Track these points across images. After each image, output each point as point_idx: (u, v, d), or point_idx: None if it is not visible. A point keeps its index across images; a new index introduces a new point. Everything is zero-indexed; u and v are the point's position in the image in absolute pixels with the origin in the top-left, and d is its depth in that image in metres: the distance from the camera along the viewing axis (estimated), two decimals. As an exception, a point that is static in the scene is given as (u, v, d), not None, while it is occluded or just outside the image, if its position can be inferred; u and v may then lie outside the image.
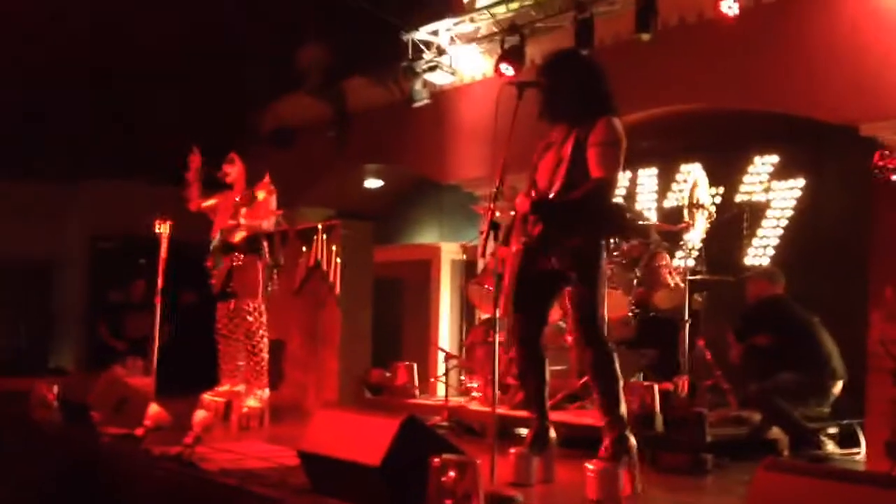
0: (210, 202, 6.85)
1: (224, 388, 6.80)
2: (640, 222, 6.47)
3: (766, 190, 7.23)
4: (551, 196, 4.25)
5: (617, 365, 4.19)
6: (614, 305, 6.05)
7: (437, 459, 3.51)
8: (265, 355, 6.76)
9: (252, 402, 6.63)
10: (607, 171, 4.17)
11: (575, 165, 4.20)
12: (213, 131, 10.30)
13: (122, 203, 10.64)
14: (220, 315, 6.78)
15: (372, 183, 10.84)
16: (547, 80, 4.38)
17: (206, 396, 6.70)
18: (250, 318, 6.64)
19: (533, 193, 4.36)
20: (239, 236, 6.68)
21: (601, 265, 4.24)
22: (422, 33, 8.69)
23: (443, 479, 3.51)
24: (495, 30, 8.23)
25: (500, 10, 8.17)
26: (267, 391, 6.77)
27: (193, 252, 7.12)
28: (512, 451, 4.39)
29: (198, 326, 7.76)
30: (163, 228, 7.04)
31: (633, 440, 4.15)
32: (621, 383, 4.20)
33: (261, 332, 6.72)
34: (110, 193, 11.19)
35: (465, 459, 3.53)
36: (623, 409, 4.18)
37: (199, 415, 4.88)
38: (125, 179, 11.12)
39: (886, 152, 3.05)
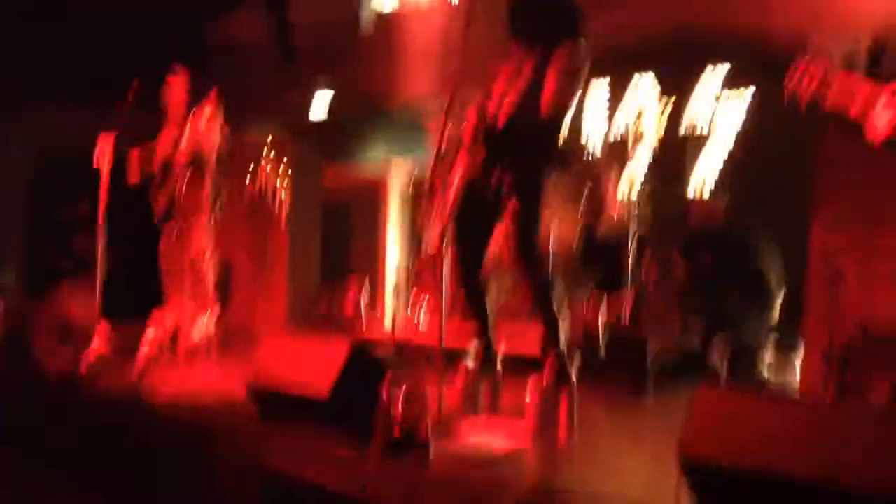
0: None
1: (170, 312, 6.72)
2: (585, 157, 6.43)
3: (716, 100, 7.17)
4: (501, 117, 4.15)
5: (555, 295, 4.19)
6: (563, 227, 6.07)
7: (384, 388, 3.54)
8: (211, 277, 6.67)
9: (199, 327, 6.57)
10: (562, 102, 4.08)
11: (530, 87, 4.10)
12: (159, 48, 10.00)
13: (67, 122, 10.32)
14: (166, 234, 6.65)
15: (322, 99, 10.61)
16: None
17: (152, 323, 6.62)
18: (195, 238, 6.52)
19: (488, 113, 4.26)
20: (182, 153, 6.51)
21: (542, 197, 4.20)
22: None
23: (391, 407, 3.54)
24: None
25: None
26: (215, 315, 6.71)
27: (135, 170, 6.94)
28: (459, 379, 4.42)
29: (143, 250, 7.61)
30: (105, 147, 6.83)
31: (574, 364, 4.18)
32: (562, 307, 4.21)
33: (207, 253, 6.61)
34: (55, 112, 10.82)
35: (413, 389, 3.56)
36: (563, 335, 4.20)
37: (147, 344, 4.82)
38: (70, 99, 10.75)
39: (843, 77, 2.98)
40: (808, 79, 2.97)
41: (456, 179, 4.31)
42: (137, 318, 6.78)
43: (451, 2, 7.43)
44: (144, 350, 4.72)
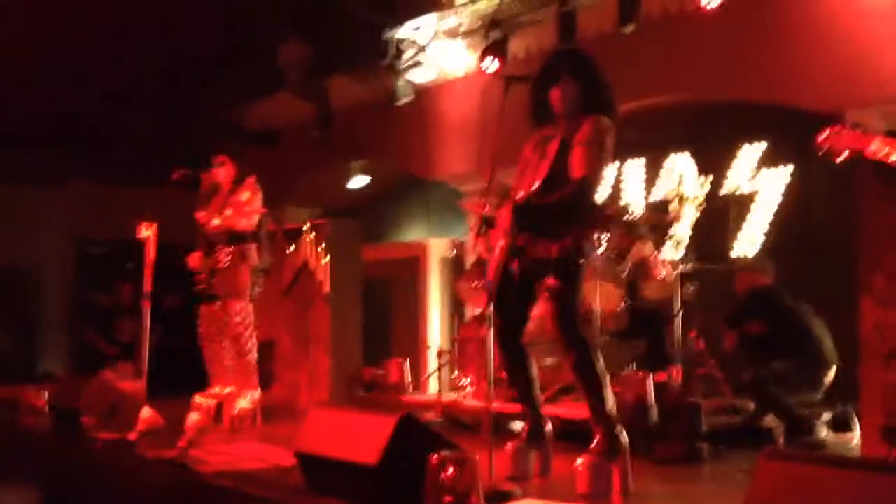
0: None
1: (214, 390, 6.76)
2: (626, 217, 6.46)
3: (754, 178, 7.24)
4: (531, 196, 4.19)
5: (601, 363, 4.18)
6: (606, 298, 6.06)
7: (435, 456, 3.50)
8: (254, 356, 6.72)
9: (243, 404, 6.60)
10: (588, 169, 4.13)
11: (557, 163, 4.19)
12: (197, 133, 10.27)
13: (106, 206, 10.56)
14: (202, 317, 6.72)
15: (358, 181, 10.80)
16: (567, 86, 4.32)
17: (198, 399, 6.66)
18: (237, 319, 6.59)
19: (520, 194, 4.31)
20: (220, 233, 6.62)
21: (581, 265, 4.22)
22: (404, 30, 8.67)
23: (441, 475, 3.50)
24: (478, 25, 8.22)
25: (482, 5, 8.15)
26: (258, 392, 6.74)
27: (178, 254, 7.08)
28: (508, 445, 4.38)
29: (185, 329, 7.71)
30: (148, 231, 6.99)
31: (624, 436, 4.14)
32: (607, 380, 4.19)
33: (248, 332, 6.67)
34: (94, 196, 11.11)
35: (463, 455, 3.51)
36: (610, 405, 4.16)
37: (193, 417, 4.86)
38: (109, 182, 11.05)
39: (835, 129, 3.01)
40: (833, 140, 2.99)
41: (496, 252, 4.33)
42: (182, 394, 6.83)
43: (485, 71, 7.57)
44: (190, 423, 4.72)
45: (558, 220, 4.16)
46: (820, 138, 3.03)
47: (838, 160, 3.01)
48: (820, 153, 3.06)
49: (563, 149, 4.22)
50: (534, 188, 4.18)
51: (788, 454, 2.86)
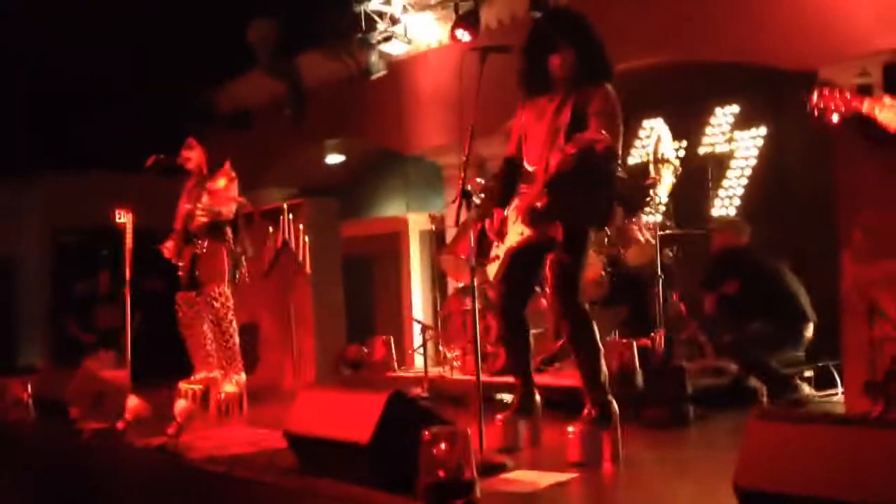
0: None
1: (200, 375, 6.73)
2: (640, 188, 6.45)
3: (729, 140, 7.27)
4: (558, 167, 4.01)
5: (596, 333, 4.19)
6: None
7: (427, 432, 3.51)
8: (236, 340, 6.69)
9: (229, 388, 6.58)
10: (613, 141, 4.02)
11: (573, 134, 4.04)
12: (169, 116, 10.17)
13: (80, 194, 10.45)
14: (180, 304, 6.68)
15: (333, 159, 10.75)
16: (564, 50, 4.22)
17: (183, 385, 6.63)
18: (217, 305, 6.55)
19: (533, 169, 4.24)
20: (199, 224, 6.57)
21: (588, 238, 4.22)
22: (374, 3, 8.59)
23: (433, 451, 3.51)
24: (449, -5, 8.16)
25: (453, -24, 8.09)
26: (243, 375, 6.72)
27: (156, 239, 7.02)
28: (498, 417, 4.40)
29: (166, 315, 7.67)
30: (125, 218, 6.93)
31: (614, 405, 4.16)
32: (601, 351, 4.21)
33: (229, 316, 6.64)
34: (68, 185, 10.98)
35: (455, 430, 3.52)
36: (603, 375, 4.18)
37: (180, 404, 4.84)
38: (83, 170, 10.93)
39: (826, 91, 3.03)
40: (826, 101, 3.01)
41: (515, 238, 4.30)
42: (165, 381, 6.80)
43: (462, 41, 7.53)
44: (179, 410, 4.71)
45: (577, 189, 4.10)
46: (813, 100, 3.03)
47: (832, 121, 3.02)
48: (814, 114, 3.07)
49: (576, 119, 4.12)
50: (558, 162, 3.99)
51: (777, 414, 2.90)
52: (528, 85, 4.40)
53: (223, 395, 6.50)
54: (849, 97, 2.99)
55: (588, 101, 4.13)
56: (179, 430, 4.61)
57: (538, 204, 4.17)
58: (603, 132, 3.95)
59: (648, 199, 6.36)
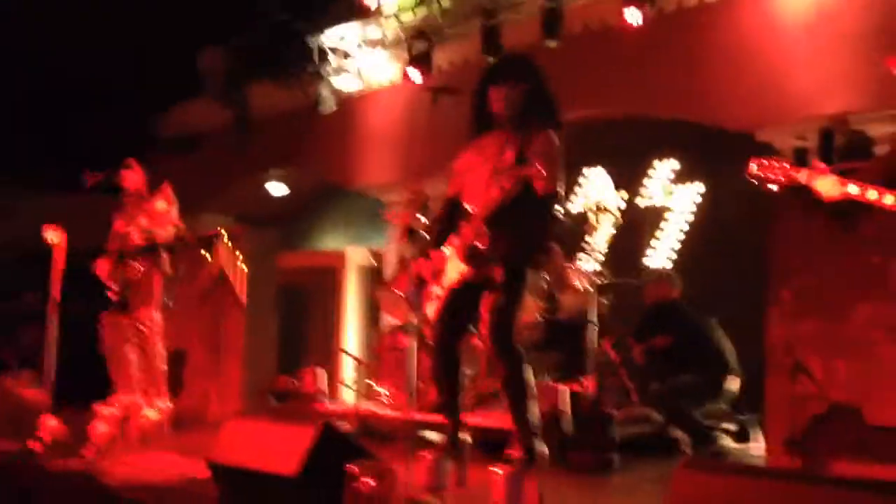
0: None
1: (120, 399, 6.57)
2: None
3: (668, 194, 7.42)
4: (495, 209, 4.07)
5: (530, 376, 4.20)
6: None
7: (353, 466, 3.48)
8: (163, 366, 6.55)
9: (151, 414, 6.40)
10: (553, 185, 4.03)
11: (514, 175, 4.03)
12: (112, 138, 10.02)
13: (6, 212, 10.21)
14: (104, 325, 6.54)
15: (276, 189, 10.68)
16: (510, 89, 4.23)
17: (102, 409, 6.46)
18: (144, 329, 6.42)
19: (473, 208, 4.26)
20: (135, 245, 6.46)
21: (527, 279, 4.25)
22: (329, 38, 8.63)
23: (360, 486, 3.48)
24: (402, 36, 8.24)
25: (407, 16, 8.18)
26: (167, 402, 6.58)
27: (83, 260, 6.88)
28: (426, 455, 4.37)
29: (90, 336, 7.48)
30: (55, 237, 6.78)
31: (542, 448, 4.17)
32: (534, 393, 4.22)
33: (157, 341, 6.51)
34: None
35: (382, 465, 3.51)
36: (533, 418, 4.19)
37: (99, 427, 4.70)
38: (9, 187, 10.69)
39: (765, 161, 3.13)
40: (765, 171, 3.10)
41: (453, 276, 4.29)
42: (88, 404, 6.62)
43: (413, 81, 7.60)
44: (97, 433, 4.58)
45: (516, 229, 4.12)
46: (751, 169, 3.12)
47: (771, 190, 3.12)
48: (753, 182, 3.16)
49: (518, 160, 4.10)
50: (496, 198, 4.05)
51: (703, 464, 2.93)
52: (477, 124, 4.44)
53: (144, 421, 6.34)
54: (788, 167, 3.08)
55: (530, 144, 4.17)
56: (97, 454, 4.49)
57: (477, 243, 4.19)
58: (540, 169, 3.97)
59: (586, 245, 6.45)
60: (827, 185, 2.97)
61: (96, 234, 6.91)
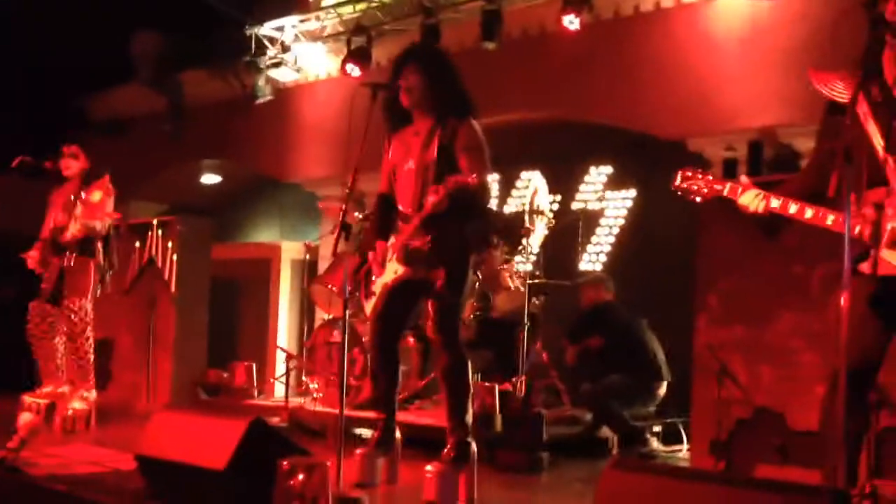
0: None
1: (46, 389, 6.44)
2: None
3: (601, 199, 7.56)
4: (424, 204, 4.07)
5: (470, 374, 4.25)
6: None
7: (285, 462, 3.47)
8: (91, 356, 6.44)
9: (77, 405, 6.31)
10: (483, 175, 4.11)
11: (443, 171, 4.08)
12: (39, 118, 9.79)
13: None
14: (33, 315, 6.40)
15: (209, 179, 10.56)
16: (410, 75, 4.26)
17: (28, 398, 6.33)
18: (75, 319, 6.30)
19: (404, 207, 4.28)
20: (70, 236, 6.33)
21: (469, 273, 4.28)
22: (266, 28, 8.56)
23: (291, 481, 3.47)
24: (341, 29, 8.23)
25: (347, 10, 8.17)
26: (94, 392, 6.47)
27: (13, 244, 6.71)
28: (357, 451, 4.38)
29: (16, 325, 7.30)
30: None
31: (474, 446, 4.21)
32: (471, 392, 4.27)
33: (87, 332, 6.40)
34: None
35: (313, 461, 3.50)
36: (469, 416, 4.23)
37: (24, 417, 4.60)
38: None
39: (689, 174, 3.23)
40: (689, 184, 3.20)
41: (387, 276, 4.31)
42: (12, 393, 6.47)
43: (351, 76, 7.60)
44: (22, 423, 4.48)
45: (453, 227, 4.15)
46: (675, 183, 3.21)
47: (695, 201, 3.22)
48: (677, 194, 3.26)
49: (444, 155, 4.16)
50: (432, 203, 4.01)
51: (631, 464, 3.00)
52: (391, 119, 4.45)
53: (70, 412, 6.23)
54: (711, 179, 3.19)
55: (454, 136, 4.19)
56: (21, 445, 4.39)
57: (415, 244, 4.22)
58: (473, 172, 4.01)
59: (521, 246, 6.51)
60: (749, 199, 3.07)
61: (18, 218, 6.75)
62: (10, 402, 6.03)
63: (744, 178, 3.22)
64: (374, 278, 4.38)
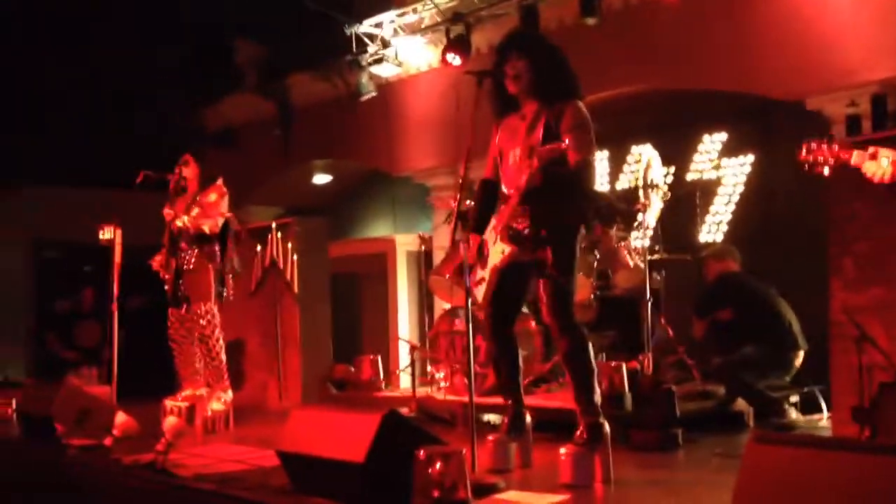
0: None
1: (186, 392, 6.70)
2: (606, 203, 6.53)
3: (717, 167, 7.35)
4: (528, 185, 4.09)
5: (592, 354, 4.21)
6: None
7: (422, 452, 3.52)
8: (223, 357, 6.67)
9: (216, 405, 6.55)
10: (587, 153, 4.11)
11: (548, 145, 4.05)
12: (157, 133, 10.17)
13: (64, 209, 10.40)
14: (172, 320, 6.66)
15: (320, 178, 10.77)
16: (515, 62, 4.26)
17: (169, 402, 6.60)
18: (203, 322, 6.53)
19: (508, 189, 4.29)
20: (188, 237, 6.56)
21: (576, 252, 4.25)
22: (365, 26, 8.65)
23: (428, 471, 3.51)
24: (439, 20, 8.24)
25: (444, 0, 8.17)
26: (230, 393, 6.70)
27: (140, 256, 7.00)
28: (490, 437, 4.40)
29: (149, 331, 7.63)
30: (110, 234, 6.90)
31: (606, 427, 4.17)
32: (596, 372, 4.23)
33: (216, 334, 6.62)
34: (52, 199, 10.92)
35: (450, 450, 3.53)
36: (597, 396, 4.19)
37: (170, 421, 4.80)
38: (68, 184, 10.89)
39: (813, 145, 3.10)
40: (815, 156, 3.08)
41: (496, 247, 4.31)
42: (149, 398, 6.77)
43: (452, 65, 7.62)
44: (168, 426, 4.68)
45: (555, 205, 4.13)
46: (801, 155, 3.10)
47: (822, 173, 3.10)
48: (803, 168, 3.15)
49: (549, 137, 4.14)
50: (526, 178, 4.07)
51: (775, 437, 2.91)
52: (498, 106, 4.44)
53: (209, 413, 6.47)
54: (836, 149, 3.06)
55: (559, 118, 4.17)
56: (168, 447, 4.58)
57: (516, 224, 4.20)
58: (576, 150, 4.01)
59: (636, 222, 6.40)
60: (873, 167, 2.94)
61: (149, 232, 7.04)
62: (146, 407, 6.27)
63: (872, 150, 3.08)
64: (479, 266, 4.38)
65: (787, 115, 6.60)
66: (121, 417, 5.07)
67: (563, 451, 4.05)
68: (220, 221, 6.65)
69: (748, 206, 7.16)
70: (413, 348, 6.99)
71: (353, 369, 7.33)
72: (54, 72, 10.97)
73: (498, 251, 4.31)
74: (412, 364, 6.88)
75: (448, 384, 6.51)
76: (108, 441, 4.94)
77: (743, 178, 7.22)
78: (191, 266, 6.54)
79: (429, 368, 7.00)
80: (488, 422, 5.97)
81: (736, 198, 7.23)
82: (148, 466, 4.53)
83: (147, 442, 4.90)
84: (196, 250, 6.55)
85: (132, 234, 6.99)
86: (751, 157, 7.19)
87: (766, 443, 2.78)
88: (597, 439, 4.11)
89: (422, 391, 6.70)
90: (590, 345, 4.22)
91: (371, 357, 7.34)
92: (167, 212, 6.63)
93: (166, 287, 6.67)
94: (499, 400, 4.77)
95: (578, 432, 4.14)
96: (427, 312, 7.48)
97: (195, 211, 6.52)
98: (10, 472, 5.38)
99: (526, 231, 4.17)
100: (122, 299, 6.99)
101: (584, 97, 4.31)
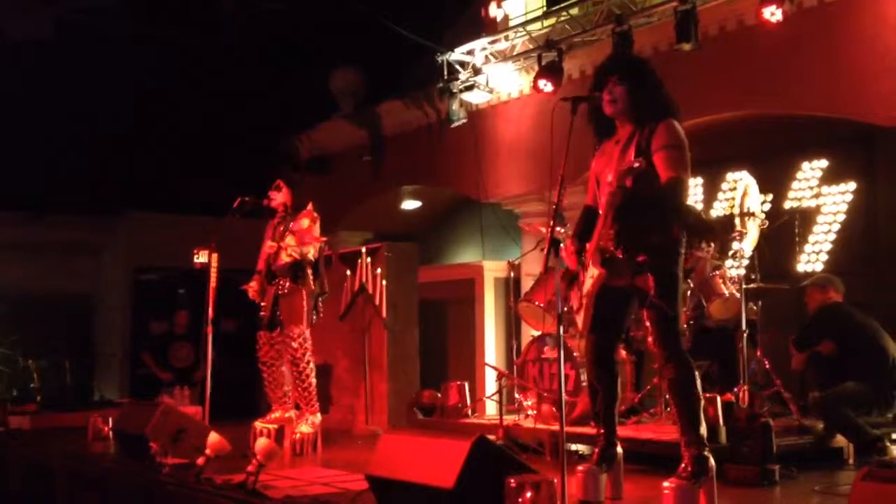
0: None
1: (275, 414, 6.78)
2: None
3: (816, 195, 7.14)
4: (617, 207, 4.06)
5: (699, 382, 4.10)
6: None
7: (513, 480, 3.47)
8: (313, 381, 6.74)
9: (304, 428, 6.61)
10: (679, 171, 4.05)
11: (641, 171, 4.03)
12: (251, 161, 10.42)
13: (161, 235, 10.73)
14: (262, 343, 6.76)
15: (409, 204, 10.85)
16: (613, 87, 4.25)
17: (259, 424, 6.68)
18: (295, 345, 6.61)
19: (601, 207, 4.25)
20: (283, 264, 6.67)
21: (679, 276, 4.15)
22: (457, 54, 8.72)
23: (519, 498, 3.47)
24: (531, 46, 8.24)
25: (536, 27, 8.19)
26: (318, 416, 6.76)
27: (232, 280, 7.14)
28: (580, 468, 4.32)
29: (239, 354, 7.76)
30: (204, 258, 7.05)
31: (712, 460, 4.04)
32: (702, 401, 4.11)
33: (307, 357, 6.70)
34: (150, 225, 11.30)
35: (541, 479, 3.49)
36: (703, 428, 4.07)
37: (261, 442, 4.85)
38: (165, 211, 11.26)
39: None
40: None
41: (591, 272, 4.25)
42: (239, 419, 6.87)
43: (544, 91, 7.60)
44: (259, 447, 4.73)
45: (643, 223, 4.07)
46: None
47: None
48: None
49: (641, 155, 4.08)
50: (607, 199, 4.04)
51: (886, 475, 2.78)
52: (597, 130, 4.43)
53: (298, 435, 6.53)
54: None
55: (651, 137, 4.12)
56: (259, 469, 4.63)
57: (606, 244, 4.13)
58: (667, 169, 3.98)
59: (732, 251, 6.25)
60: None
61: (240, 256, 7.18)
62: (236, 429, 6.35)
63: None
64: (573, 293, 4.32)
65: (892, 142, 6.37)
66: (213, 437, 5.14)
67: (666, 484, 3.93)
68: (316, 246, 6.75)
69: (850, 235, 6.92)
70: (500, 375, 6.93)
71: (439, 395, 7.30)
72: (154, 101, 11.36)
73: (590, 275, 4.26)
74: (499, 391, 6.82)
75: (536, 412, 6.44)
76: (200, 461, 5.01)
77: (844, 207, 6.99)
78: (285, 290, 6.65)
79: (516, 396, 6.93)
80: (577, 451, 5.87)
81: (837, 227, 7.00)
82: (239, 487, 4.58)
83: (238, 462, 4.96)
84: (290, 275, 6.65)
85: (225, 259, 7.15)
86: (853, 185, 6.97)
87: (874, 480, 2.66)
88: (702, 473, 3.98)
89: (508, 418, 6.63)
90: (696, 374, 4.11)
91: (458, 383, 7.30)
92: (269, 244, 6.74)
93: (262, 312, 6.78)
94: (588, 429, 4.69)
95: (683, 465, 4.01)
96: (514, 339, 7.42)
97: (289, 238, 6.63)
98: (107, 489, 5.51)
99: (619, 254, 4.10)
100: (215, 322, 7.14)
101: (681, 118, 4.24)
